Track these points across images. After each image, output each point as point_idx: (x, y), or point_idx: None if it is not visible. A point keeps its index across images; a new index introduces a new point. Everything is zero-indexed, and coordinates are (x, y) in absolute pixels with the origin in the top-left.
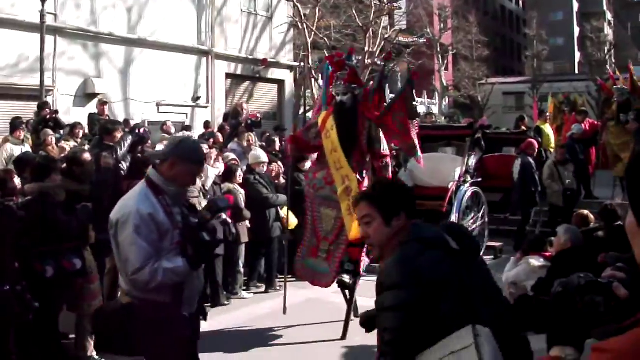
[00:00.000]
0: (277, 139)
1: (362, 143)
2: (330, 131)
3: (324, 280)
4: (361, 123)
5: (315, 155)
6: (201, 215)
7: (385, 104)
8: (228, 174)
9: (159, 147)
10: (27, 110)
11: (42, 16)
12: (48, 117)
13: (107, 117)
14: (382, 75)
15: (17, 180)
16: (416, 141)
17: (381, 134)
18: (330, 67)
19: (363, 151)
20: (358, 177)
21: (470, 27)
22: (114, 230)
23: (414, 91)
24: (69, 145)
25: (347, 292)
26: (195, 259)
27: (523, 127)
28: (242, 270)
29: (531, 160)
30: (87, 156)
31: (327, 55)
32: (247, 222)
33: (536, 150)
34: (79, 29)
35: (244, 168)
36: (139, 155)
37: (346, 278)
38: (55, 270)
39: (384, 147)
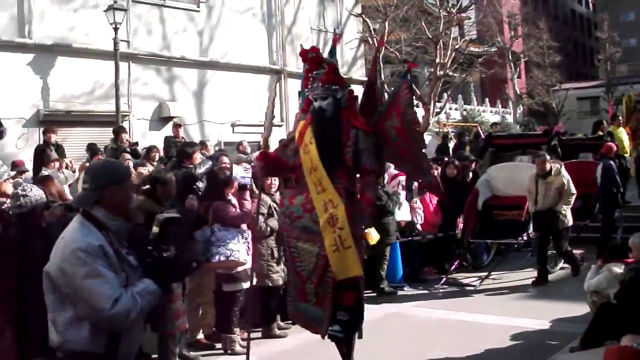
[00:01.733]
0: None
1: (347, 158)
2: (308, 145)
3: (320, 329)
4: (346, 133)
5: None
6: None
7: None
8: None
9: (237, 168)
10: (104, 136)
11: (115, 44)
12: (127, 148)
13: (183, 140)
14: (372, 77)
15: None
16: (422, 160)
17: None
18: (334, 50)
19: (349, 169)
20: (345, 201)
21: (541, 33)
22: (58, 280)
23: (414, 90)
24: (146, 170)
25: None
26: (160, 277)
27: (600, 132)
28: None
29: (612, 162)
30: (170, 176)
31: (302, 51)
32: None
33: (615, 154)
34: (151, 55)
35: None
36: (219, 176)
37: (338, 330)
38: None
39: (371, 162)
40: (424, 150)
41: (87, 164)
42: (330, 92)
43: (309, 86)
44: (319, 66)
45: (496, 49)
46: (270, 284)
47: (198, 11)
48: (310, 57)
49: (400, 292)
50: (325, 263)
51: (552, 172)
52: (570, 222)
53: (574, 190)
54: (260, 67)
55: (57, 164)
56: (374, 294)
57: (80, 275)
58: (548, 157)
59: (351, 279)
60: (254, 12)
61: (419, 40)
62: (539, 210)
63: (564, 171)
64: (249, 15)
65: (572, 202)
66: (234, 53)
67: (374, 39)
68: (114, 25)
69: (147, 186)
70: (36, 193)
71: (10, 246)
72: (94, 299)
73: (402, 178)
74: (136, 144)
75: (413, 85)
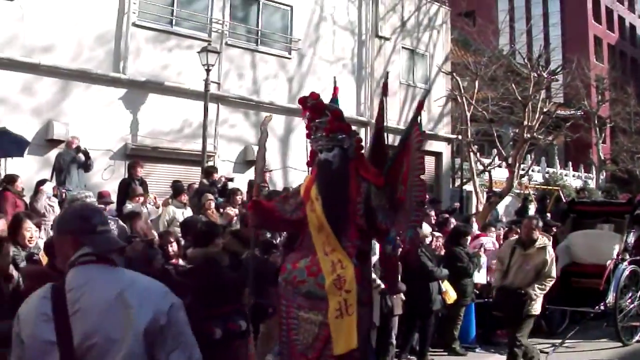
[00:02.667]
0: (432, 212)
1: (358, 215)
2: (314, 202)
3: None
4: (355, 188)
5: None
6: None
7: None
8: None
9: None
10: (188, 174)
11: (206, 85)
12: (221, 182)
13: (267, 186)
14: (379, 123)
15: (174, 246)
16: (415, 212)
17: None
18: (337, 101)
19: (361, 227)
20: (355, 261)
21: (629, 98)
22: (166, 332)
23: (421, 129)
24: (233, 211)
25: None
26: None
27: None
28: (394, 341)
29: None
30: None
31: (300, 98)
32: (402, 295)
33: None
34: (241, 98)
35: None
36: None
37: None
38: (223, 331)
39: (387, 220)
40: (422, 202)
41: (170, 200)
42: (336, 142)
43: (312, 137)
44: (321, 114)
45: (582, 113)
46: None
47: (289, 58)
48: (311, 104)
49: (471, 354)
50: (327, 334)
51: (537, 243)
52: (538, 311)
53: (554, 273)
54: (347, 118)
55: (141, 199)
56: (446, 354)
57: (184, 321)
58: (539, 223)
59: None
60: (344, 62)
61: (506, 100)
62: (505, 287)
63: (550, 248)
64: (339, 66)
65: (547, 289)
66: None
67: (463, 96)
68: (206, 67)
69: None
70: (118, 227)
71: None
72: (194, 346)
73: (485, 239)
74: (231, 179)
75: (422, 128)
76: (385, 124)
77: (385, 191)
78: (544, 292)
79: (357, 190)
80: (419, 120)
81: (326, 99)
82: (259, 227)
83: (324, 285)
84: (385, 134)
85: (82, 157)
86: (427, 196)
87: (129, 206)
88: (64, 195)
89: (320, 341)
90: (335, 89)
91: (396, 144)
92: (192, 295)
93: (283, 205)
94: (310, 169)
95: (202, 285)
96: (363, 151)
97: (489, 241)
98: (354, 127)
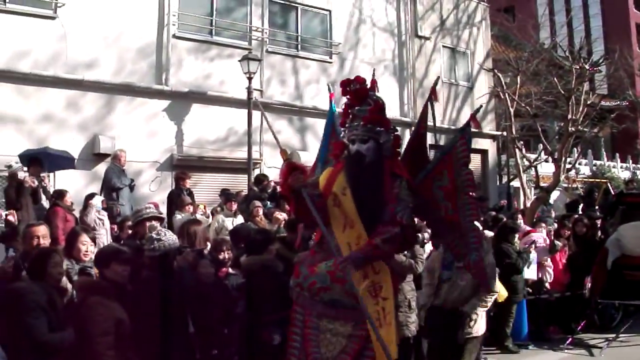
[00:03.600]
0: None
1: (393, 213)
2: (340, 196)
3: None
4: (389, 185)
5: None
6: None
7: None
8: None
9: None
10: (235, 182)
11: (249, 92)
12: (270, 187)
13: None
14: (422, 128)
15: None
16: (471, 232)
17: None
18: (333, 106)
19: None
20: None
21: None
22: None
23: (469, 144)
24: (282, 216)
25: None
26: None
27: None
28: None
29: None
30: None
31: (343, 81)
32: None
33: None
34: (284, 104)
35: None
36: None
37: None
38: (281, 337)
39: (404, 215)
40: (476, 222)
41: (219, 209)
42: (373, 134)
43: (347, 125)
44: (363, 101)
45: (627, 103)
46: (409, 335)
47: (330, 62)
48: (354, 89)
49: (524, 351)
50: (360, 347)
51: None
52: (482, 331)
53: (498, 287)
54: (391, 119)
55: (191, 208)
56: (498, 352)
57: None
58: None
59: None
60: (385, 64)
61: (549, 94)
62: (436, 307)
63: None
64: (380, 68)
65: (488, 305)
66: None
67: (506, 93)
68: (248, 75)
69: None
70: (170, 237)
71: (148, 287)
72: None
73: (536, 235)
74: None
75: (471, 141)
76: (427, 129)
77: (413, 195)
78: (485, 310)
79: (391, 187)
80: (468, 132)
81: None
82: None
83: (353, 294)
84: (428, 139)
85: (129, 182)
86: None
87: (179, 216)
88: (118, 210)
89: (347, 354)
90: (331, 95)
91: (440, 143)
92: (250, 302)
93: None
94: (333, 162)
95: (261, 293)
96: (399, 151)
97: (540, 237)
98: (398, 128)
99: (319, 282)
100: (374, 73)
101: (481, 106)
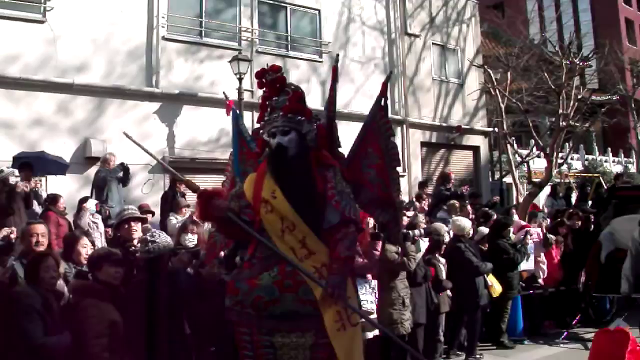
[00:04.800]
0: (469, 206)
1: (340, 210)
2: (272, 200)
3: None
4: (320, 177)
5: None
6: None
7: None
8: (435, 247)
9: None
10: None
11: (240, 93)
12: None
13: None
14: (330, 111)
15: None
16: (400, 207)
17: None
18: (236, 114)
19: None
20: None
21: None
22: None
23: (386, 114)
24: None
25: None
26: None
27: None
28: (442, 338)
29: None
30: None
31: (257, 71)
32: (449, 291)
33: None
34: None
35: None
36: None
37: None
38: None
39: (352, 209)
40: (401, 200)
41: None
42: (294, 125)
43: (265, 118)
44: (280, 91)
45: (618, 98)
46: (404, 332)
47: (321, 62)
48: (269, 79)
49: (520, 346)
50: (326, 355)
51: None
52: None
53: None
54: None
55: (187, 210)
56: (494, 347)
57: None
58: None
59: None
60: (375, 62)
61: (540, 89)
62: None
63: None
64: (370, 66)
65: None
66: (356, 103)
67: (496, 89)
68: (238, 76)
69: None
70: (164, 239)
71: (139, 289)
72: None
73: (532, 230)
74: None
75: (388, 110)
76: (334, 112)
77: (349, 185)
78: None
79: (321, 179)
80: (382, 104)
81: (356, 100)
82: (226, 233)
83: (309, 300)
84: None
85: (119, 171)
86: (466, 190)
87: (173, 219)
88: (107, 212)
89: None
90: (229, 102)
91: (432, 140)
92: None
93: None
94: (253, 167)
95: None
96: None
97: (535, 232)
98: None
99: (266, 295)
100: (388, 77)
101: (392, 72)
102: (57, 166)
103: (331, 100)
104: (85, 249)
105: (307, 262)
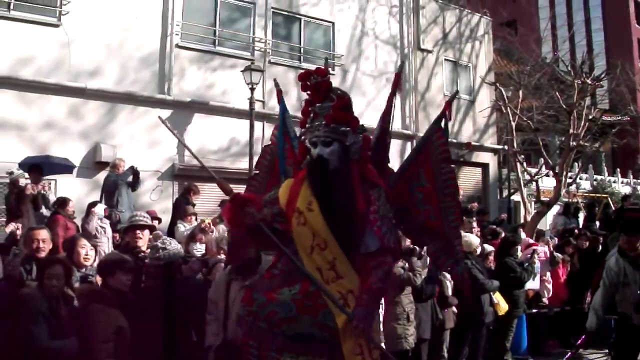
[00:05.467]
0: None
1: (381, 236)
2: (307, 213)
3: None
4: (360, 195)
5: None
6: None
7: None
8: None
9: None
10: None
11: (251, 103)
12: None
13: None
14: (384, 121)
15: None
16: (455, 239)
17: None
18: (285, 105)
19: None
20: None
21: None
22: None
23: (446, 136)
24: None
25: None
26: None
27: None
28: (445, 355)
29: None
30: None
31: (301, 73)
32: (454, 308)
33: None
34: None
35: None
36: None
37: None
38: None
39: (391, 237)
40: (459, 228)
41: (219, 219)
42: (337, 135)
43: (307, 125)
44: (324, 97)
45: (629, 118)
46: (407, 347)
47: (333, 74)
48: (314, 82)
49: None
50: None
51: None
52: None
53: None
54: (394, 132)
55: (193, 219)
56: None
57: None
58: None
59: None
60: (387, 76)
61: (551, 108)
62: None
63: None
64: (382, 80)
65: None
66: (367, 117)
67: (507, 106)
68: (250, 86)
69: None
70: (174, 246)
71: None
72: None
73: (540, 249)
74: None
75: (448, 133)
76: (389, 122)
77: (393, 208)
78: None
79: (364, 199)
80: (442, 125)
81: (367, 113)
82: (254, 243)
83: (327, 326)
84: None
85: (129, 175)
86: (474, 207)
87: (181, 227)
88: (118, 217)
89: None
90: (278, 92)
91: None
92: None
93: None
94: (292, 170)
95: None
96: (369, 154)
97: (542, 251)
98: (399, 140)
99: (282, 312)
100: (452, 99)
101: (457, 92)
102: (63, 167)
103: (387, 111)
104: (84, 249)
105: (333, 286)
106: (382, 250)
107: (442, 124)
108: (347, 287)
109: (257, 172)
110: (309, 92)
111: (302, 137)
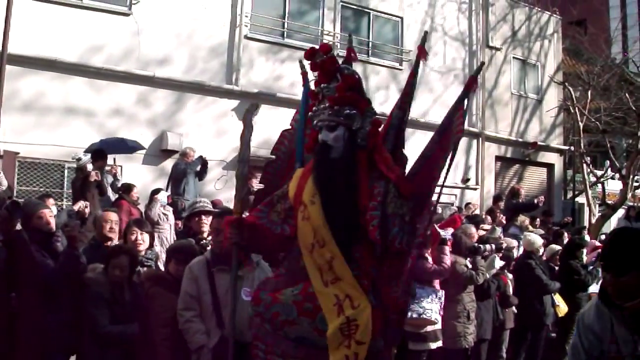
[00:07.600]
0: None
1: (371, 230)
2: (310, 206)
3: None
4: (365, 188)
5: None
6: None
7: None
8: (504, 262)
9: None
10: None
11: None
12: None
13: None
14: (403, 105)
15: None
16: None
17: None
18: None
19: (377, 247)
20: (372, 299)
21: None
22: None
23: (464, 116)
24: None
25: None
26: None
27: None
28: (504, 355)
29: None
30: None
31: (307, 51)
32: (514, 308)
33: None
34: None
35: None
36: None
37: None
38: None
39: (405, 238)
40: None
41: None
42: (342, 119)
43: (315, 109)
44: (331, 77)
45: None
46: (466, 346)
47: (401, 69)
48: (320, 60)
49: None
50: None
51: None
52: None
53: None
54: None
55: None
56: None
57: None
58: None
59: None
60: (455, 73)
61: (619, 110)
62: None
63: None
64: (450, 77)
65: None
66: (434, 113)
67: (575, 107)
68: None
69: None
70: None
71: None
72: None
73: None
74: None
75: (466, 113)
76: (408, 103)
77: (409, 202)
78: None
79: (367, 192)
80: (465, 103)
81: (434, 110)
82: (247, 251)
83: (324, 332)
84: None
85: (198, 164)
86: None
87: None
88: (183, 204)
89: None
90: (303, 74)
91: (507, 155)
92: None
93: (268, 216)
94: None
95: None
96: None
97: None
98: (465, 138)
99: (283, 313)
100: (477, 72)
101: (483, 63)
102: (129, 148)
103: (407, 91)
104: (134, 235)
105: (332, 289)
106: (394, 253)
107: (465, 103)
108: (345, 291)
109: (274, 157)
110: (317, 73)
111: (315, 123)
